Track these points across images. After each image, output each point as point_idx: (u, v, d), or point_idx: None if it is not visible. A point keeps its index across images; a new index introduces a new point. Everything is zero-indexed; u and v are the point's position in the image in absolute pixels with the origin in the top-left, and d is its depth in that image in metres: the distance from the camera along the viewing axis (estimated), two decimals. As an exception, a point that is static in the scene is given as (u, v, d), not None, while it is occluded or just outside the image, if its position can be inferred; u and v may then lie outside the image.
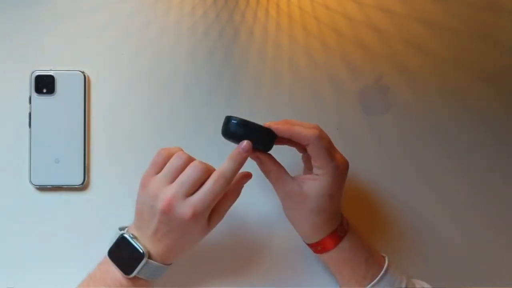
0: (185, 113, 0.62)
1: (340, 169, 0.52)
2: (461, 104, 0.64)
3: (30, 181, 0.59)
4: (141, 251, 0.50)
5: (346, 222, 0.56)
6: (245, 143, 0.51)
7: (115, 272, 0.51)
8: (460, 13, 0.64)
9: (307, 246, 0.57)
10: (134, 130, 0.61)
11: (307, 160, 0.57)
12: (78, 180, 0.60)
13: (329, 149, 0.52)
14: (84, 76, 0.60)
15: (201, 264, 0.60)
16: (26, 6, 0.61)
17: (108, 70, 0.61)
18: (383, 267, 0.55)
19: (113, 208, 0.57)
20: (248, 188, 0.55)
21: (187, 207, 0.49)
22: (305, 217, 0.53)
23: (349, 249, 0.54)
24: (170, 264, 0.54)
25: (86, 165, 0.60)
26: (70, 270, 0.56)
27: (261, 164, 0.53)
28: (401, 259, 0.58)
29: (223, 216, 0.53)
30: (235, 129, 0.51)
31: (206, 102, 0.62)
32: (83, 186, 0.60)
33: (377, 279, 0.54)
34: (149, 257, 0.51)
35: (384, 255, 0.57)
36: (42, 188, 0.60)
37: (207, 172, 0.50)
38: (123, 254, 0.51)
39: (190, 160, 0.51)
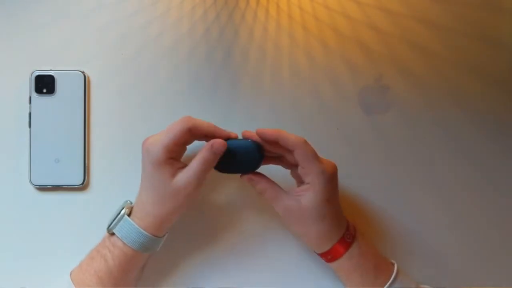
0: (185, 113, 0.61)
1: (328, 172, 0.52)
2: (461, 104, 0.64)
3: (30, 181, 0.59)
4: (123, 206, 0.55)
5: (352, 227, 0.56)
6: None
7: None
8: (460, 13, 0.64)
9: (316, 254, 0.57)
10: (134, 130, 0.61)
11: (296, 175, 0.57)
12: (78, 180, 0.60)
13: (316, 155, 0.52)
14: (84, 76, 0.60)
15: (203, 264, 0.61)
16: (26, 6, 0.61)
17: (108, 70, 0.61)
18: (392, 274, 0.55)
19: (113, 208, 0.56)
20: (250, 189, 0.55)
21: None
22: (310, 227, 0.53)
23: (358, 256, 0.54)
24: (153, 235, 0.54)
25: (86, 165, 0.60)
26: (70, 270, 0.56)
27: (254, 185, 0.54)
28: (401, 259, 0.58)
29: (193, 176, 0.52)
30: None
31: (206, 102, 0.62)
32: (83, 186, 0.60)
33: (386, 286, 0.54)
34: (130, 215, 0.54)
35: (394, 261, 0.57)
36: (42, 188, 0.60)
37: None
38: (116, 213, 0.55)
39: None
